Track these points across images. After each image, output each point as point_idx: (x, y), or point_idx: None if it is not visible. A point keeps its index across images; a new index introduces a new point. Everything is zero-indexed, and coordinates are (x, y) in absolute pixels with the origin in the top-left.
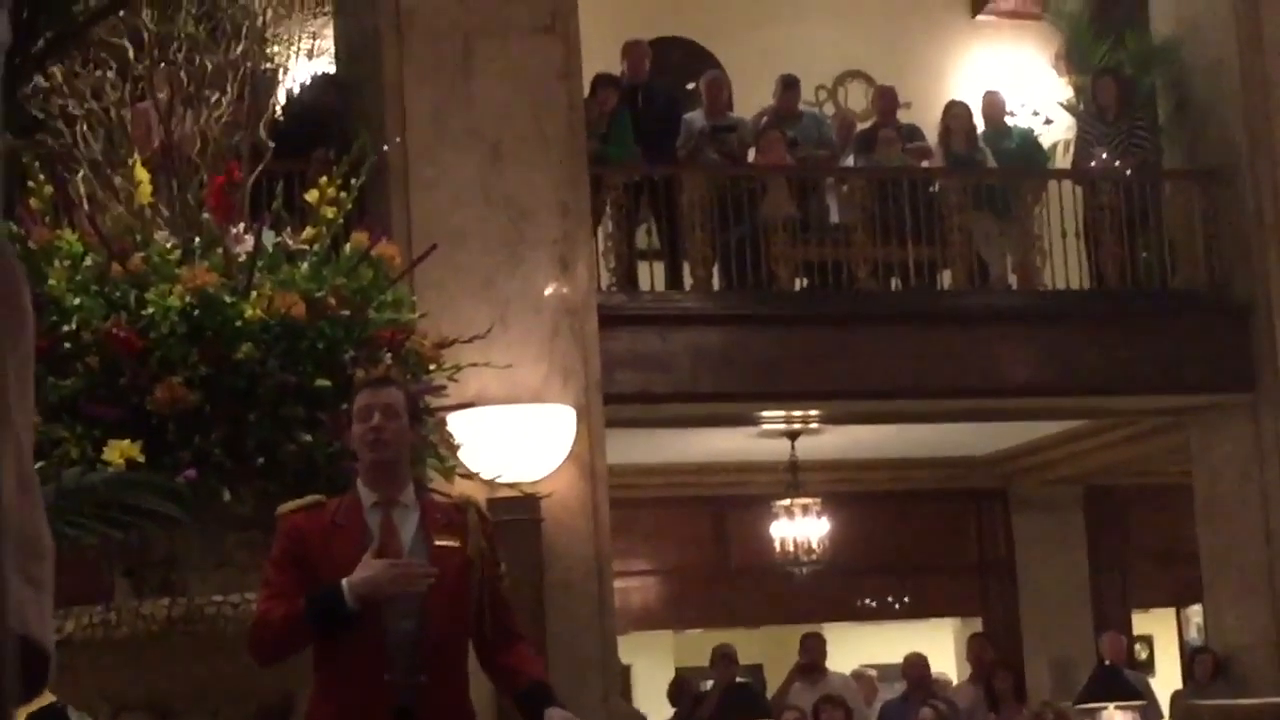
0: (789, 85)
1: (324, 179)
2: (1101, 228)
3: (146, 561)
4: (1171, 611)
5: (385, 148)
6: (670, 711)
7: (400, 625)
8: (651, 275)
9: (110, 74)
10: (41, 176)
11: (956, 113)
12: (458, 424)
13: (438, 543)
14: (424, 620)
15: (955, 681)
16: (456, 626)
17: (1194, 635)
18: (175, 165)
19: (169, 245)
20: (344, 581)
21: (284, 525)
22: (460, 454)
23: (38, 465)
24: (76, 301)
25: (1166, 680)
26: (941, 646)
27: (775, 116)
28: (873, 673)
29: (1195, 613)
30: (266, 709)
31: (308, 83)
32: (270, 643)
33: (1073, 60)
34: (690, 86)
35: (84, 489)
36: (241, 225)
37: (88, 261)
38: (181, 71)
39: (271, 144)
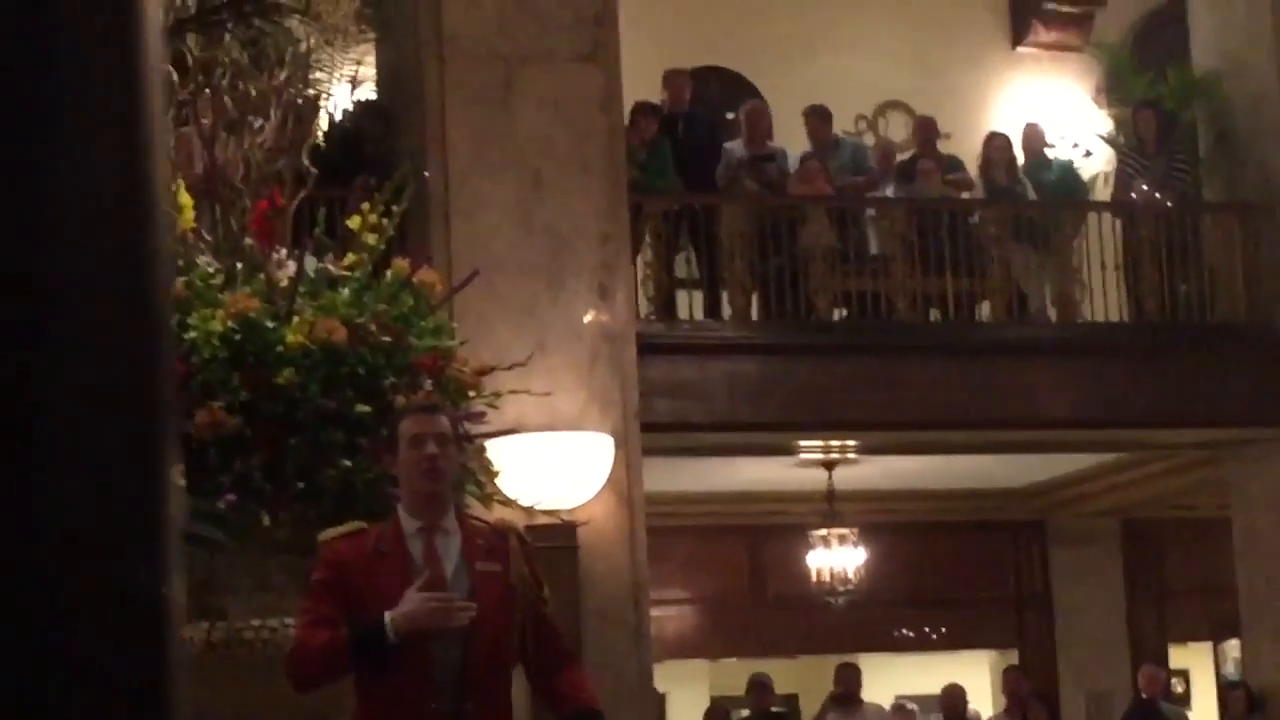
0: (809, 116)
1: (366, 205)
2: (1141, 260)
3: (186, 585)
4: (1209, 646)
5: (426, 174)
6: None
7: (446, 653)
8: (690, 304)
9: None
10: None
11: (997, 144)
12: (496, 451)
13: (480, 568)
14: (468, 647)
15: (990, 714)
16: (500, 653)
17: (1231, 670)
18: (218, 190)
19: (211, 270)
20: (386, 616)
21: (325, 553)
22: (499, 481)
23: None
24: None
25: (1203, 715)
26: (977, 679)
27: (816, 149)
28: (914, 706)
29: (1233, 647)
30: None
31: (350, 109)
32: (308, 670)
33: (1113, 92)
34: (730, 116)
35: None
36: (283, 251)
37: None
38: (225, 97)
39: (314, 170)
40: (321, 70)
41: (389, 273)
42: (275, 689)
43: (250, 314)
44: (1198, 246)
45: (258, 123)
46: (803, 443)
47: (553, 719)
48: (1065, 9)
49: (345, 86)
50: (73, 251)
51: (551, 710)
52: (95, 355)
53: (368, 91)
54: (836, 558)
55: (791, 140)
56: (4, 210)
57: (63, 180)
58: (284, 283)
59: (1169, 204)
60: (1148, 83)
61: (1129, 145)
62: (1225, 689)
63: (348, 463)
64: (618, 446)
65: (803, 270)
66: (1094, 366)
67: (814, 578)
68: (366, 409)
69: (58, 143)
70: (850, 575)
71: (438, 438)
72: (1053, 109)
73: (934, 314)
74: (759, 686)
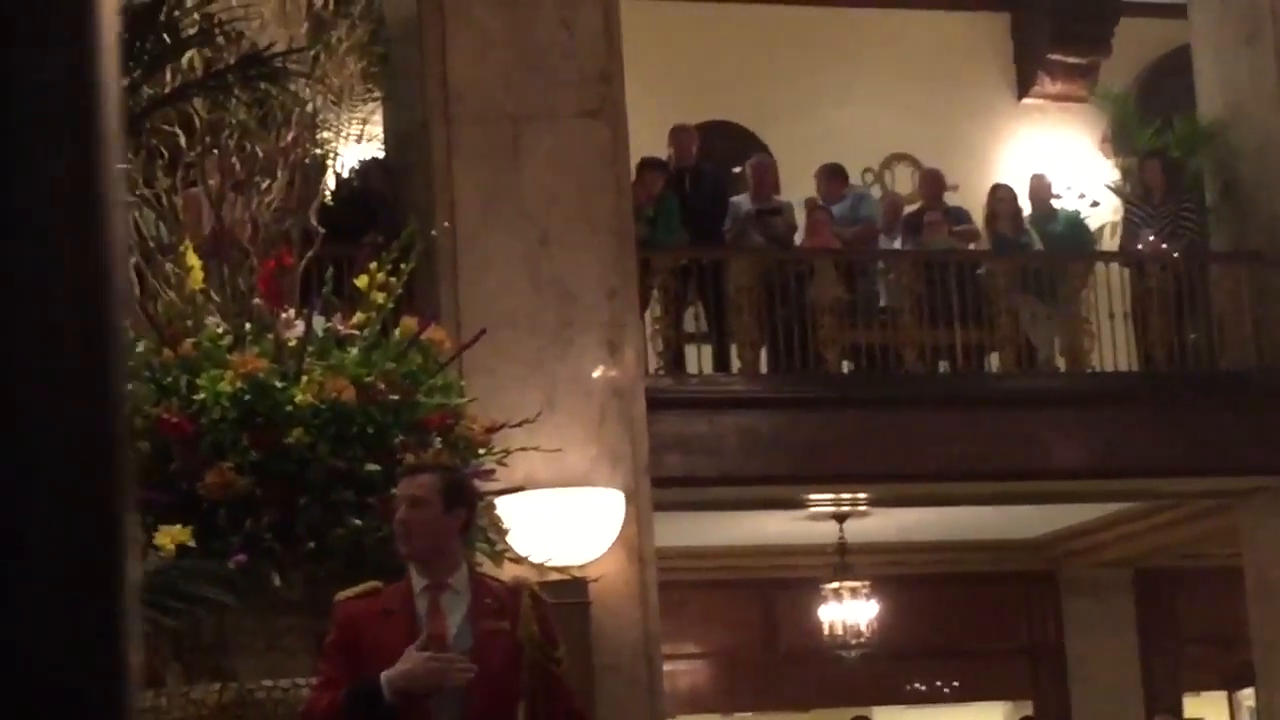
0: (820, 175)
1: (373, 264)
2: (1149, 310)
3: (197, 646)
4: (1223, 695)
5: (434, 233)
6: None
7: (445, 713)
8: (699, 358)
9: (162, 161)
10: None
11: (1002, 195)
12: (506, 508)
13: (485, 627)
14: (467, 707)
15: None
16: (502, 712)
17: (1246, 719)
18: (226, 251)
19: (220, 331)
20: (383, 675)
21: (338, 613)
22: (509, 538)
23: None
24: (128, 387)
25: None
26: None
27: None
28: None
29: (1247, 696)
30: None
31: (357, 168)
32: None
33: (1119, 143)
34: (737, 170)
35: None
36: (291, 310)
37: (139, 347)
38: (232, 158)
39: (321, 229)
40: (328, 130)
41: (397, 331)
42: None
43: (259, 374)
44: (1206, 295)
45: (265, 183)
46: (813, 496)
47: None
48: (1070, 60)
49: (352, 145)
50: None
51: None
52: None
53: (375, 150)
54: (849, 611)
55: (799, 194)
56: None
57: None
58: (292, 342)
59: (1176, 254)
60: (1153, 133)
61: (1135, 195)
62: None
63: (358, 521)
64: (628, 502)
65: (811, 323)
66: (1104, 416)
67: (826, 631)
68: (376, 468)
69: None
70: (863, 628)
71: (410, 500)
72: (1059, 160)
73: (943, 365)
74: None
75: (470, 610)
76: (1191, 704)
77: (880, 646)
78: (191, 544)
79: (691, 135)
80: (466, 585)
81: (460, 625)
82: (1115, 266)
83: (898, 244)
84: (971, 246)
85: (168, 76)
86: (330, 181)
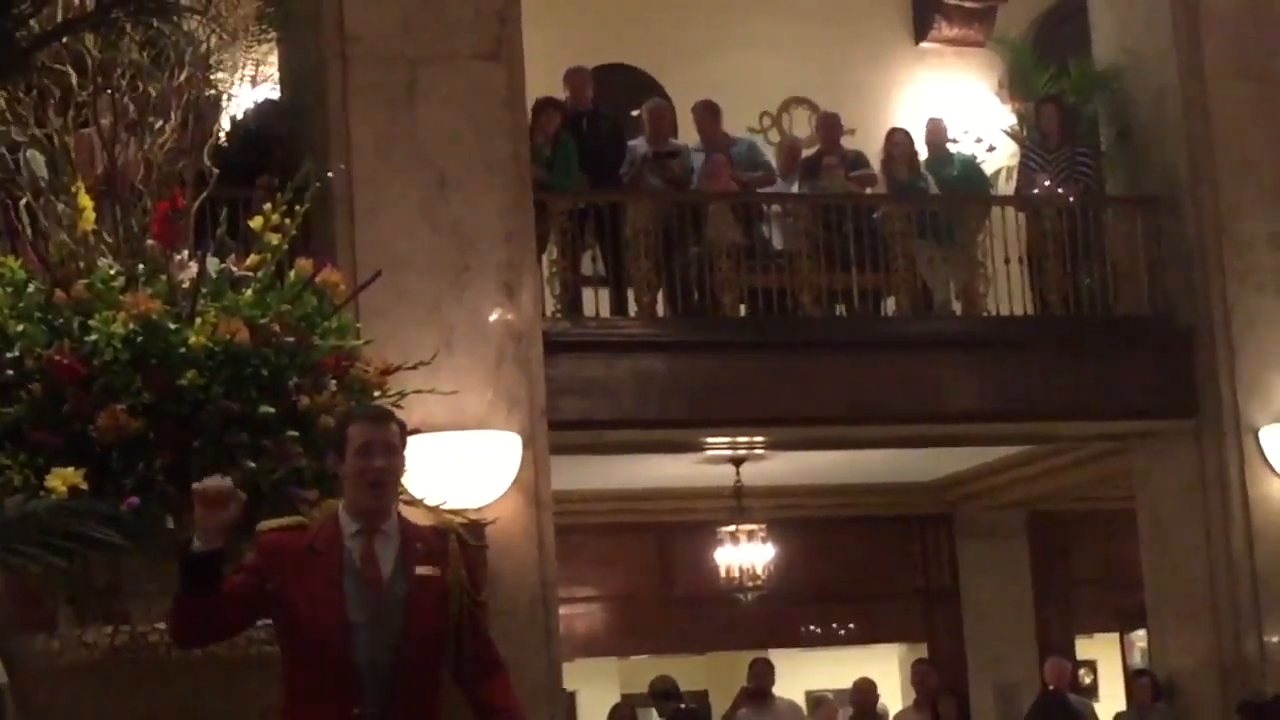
0: (698, 111)
1: (268, 205)
2: (1045, 254)
3: (89, 589)
4: (1115, 636)
5: (330, 174)
6: None
7: (378, 657)
8: (596, 302)
9: (53, 100)
10: None
11: (898, 139)
12: None
13: (417, 572)
14: (401, 649)
15: (899, 708)
16: (433, 655)
17: (1138, 660)
18: (119, 192)
19: (112, 272)
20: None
21: (261, 541)
22: (405, 480)
23: None
24: (19, 328)
25: (1112, 705)
26: (886, 672)
27: (708, 145)
28: (833, 697)
29: (1139, 637)
30: None
31: (252, 109)
32: (170, 619)
33: (1016, 87)
34: (634, 114)
35: (26, 517)
36: (185, 252)
37: (31, 288)
38: (125, 98)
39: (215, 170)
40: (223, 70)
41: (292, 273)
42: (181, 692)
43: (152, 315)
44: (1101, 240)
45: (158, 123)
46: (710, 439)
47: None
48: (968, 4)
49: (247, 86)
50: None
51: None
52: None
53: (270, 91)
54: (745, 554)
55: (695, 138)
56: None
57: None
58: (186, 284)
59: (1072, 198)
60: (1050, 77)
61: (1032, 139)
62: (1131, 678)
63: (252, 464)
64: (525, 445)
65: (708, 267)
66: (999, 360)
67: (723, 574)
68: (270, 410)
69: None
70: (759, 571)
71: (386, 448)
72: (956, 104)
73: (840, 309)
74: (662, 696)
75: (401, 554)
76: (1084, 645)
77: (776, 590)
78: (84, 486)
79: (586, 78)
80: (396, 529)
81: (393, 570)
82: (1011, 211)
83: (795, 188)
84: (868, 190)
85: (58, 13)
86: (225, 122)
